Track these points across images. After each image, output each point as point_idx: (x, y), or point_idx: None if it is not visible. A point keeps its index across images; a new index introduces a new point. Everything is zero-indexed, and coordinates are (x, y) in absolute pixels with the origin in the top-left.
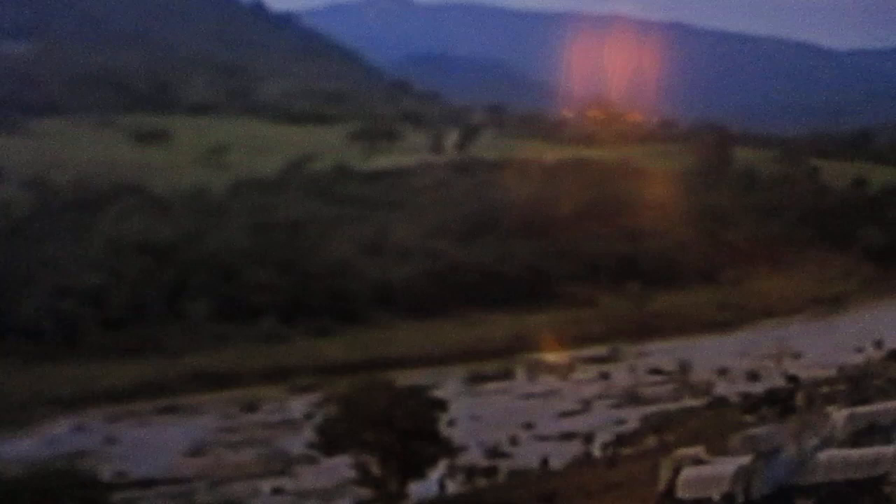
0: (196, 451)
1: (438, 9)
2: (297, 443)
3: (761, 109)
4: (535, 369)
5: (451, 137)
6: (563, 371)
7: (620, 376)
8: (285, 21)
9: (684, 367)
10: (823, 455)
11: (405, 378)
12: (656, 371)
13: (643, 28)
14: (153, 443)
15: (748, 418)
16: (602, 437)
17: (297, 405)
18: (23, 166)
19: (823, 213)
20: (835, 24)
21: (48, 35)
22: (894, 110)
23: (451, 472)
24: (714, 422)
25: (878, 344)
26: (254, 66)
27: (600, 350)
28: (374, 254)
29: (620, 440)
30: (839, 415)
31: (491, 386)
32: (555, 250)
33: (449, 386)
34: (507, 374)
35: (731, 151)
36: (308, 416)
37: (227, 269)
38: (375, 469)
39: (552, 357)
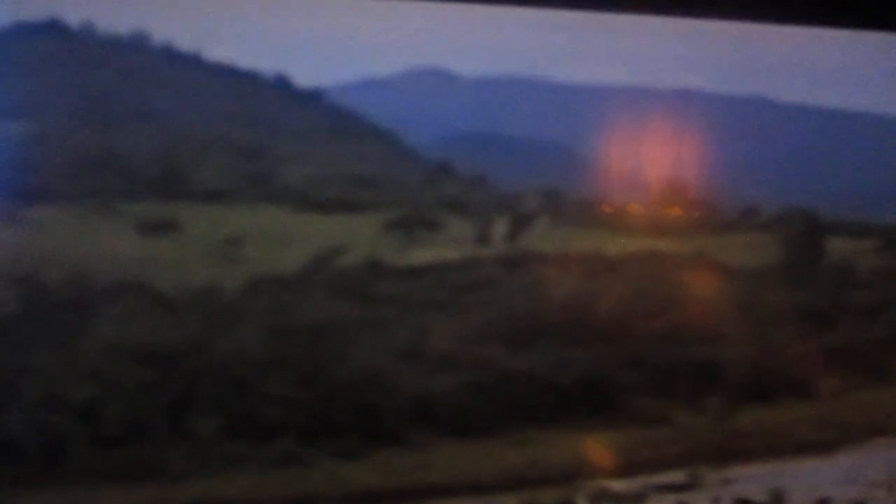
0: None
1: (485, 83)
2: None
3: (857, 194)
4: (600, 499)
5: (500, 227)
6: (634, 501)
7: None
8: (313, 98)
9: (778, 497)
10: None
11: None
12: (744, 501)
13: (717, 103)
14: None
15: None
16: None
17: None
18: (12, 261)
19: None
20: None
21: (46, 114)
22: None
23: None
24: None
25: None
26: (276, 148)
27: (677, 476)
28: (410, 362)
29: None
30: None
31: None
32: (620, 358)
33: None
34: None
35: (822, 241)
36: None
37: (240, 380)
38: None
39: (620, 485)
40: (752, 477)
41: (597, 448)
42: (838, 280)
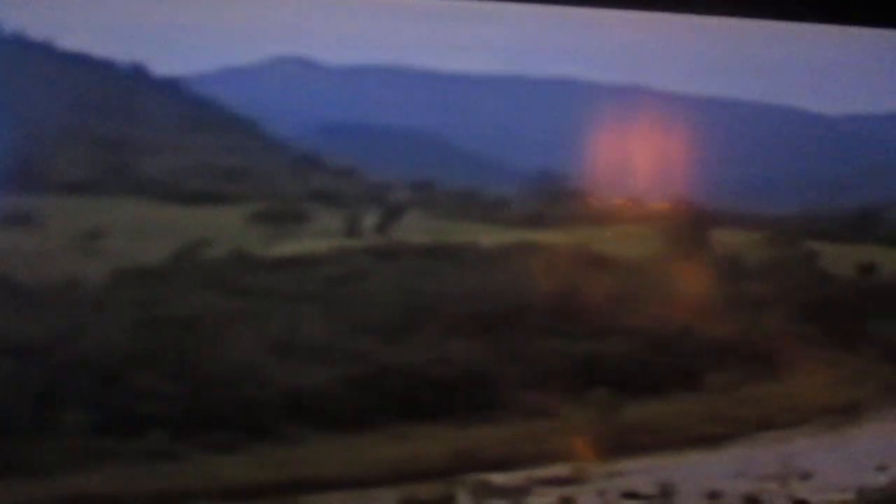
0: None
1: (352, 72)
2: None
3: (742, 184)
4: (482, 493)
5: (370, 219)
6: (516, 495)
7: (587, 501)
8: (172, 87)
9: (667, 491)
10: None
11: None
12: (631, 495)
13: (596, 92)
14: None
15: None
16: None
17: None
18: None
19: (826, 305)
20: (825, 87)
21: None
22: (894, 184)
23: None
24: None
25: None
26: (136, 138)
27: (561, 470)
28: (282, 355)
29: None
30: None
31: None
32: (501, 352)
33: None
34: (447, 499)
35: (709, 233)
36: None
37: (107, 373)
38: None
39: (501, 478)
40: (640, 470)
41: (478, 442)
42: (726, 272)
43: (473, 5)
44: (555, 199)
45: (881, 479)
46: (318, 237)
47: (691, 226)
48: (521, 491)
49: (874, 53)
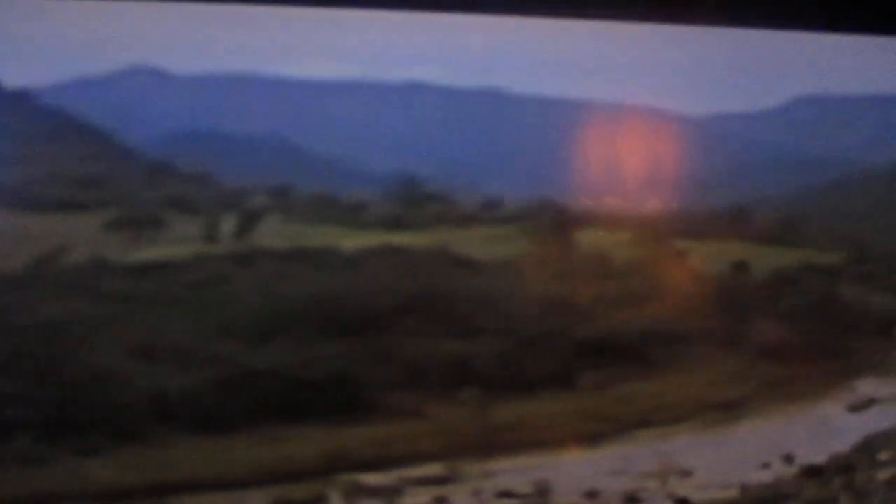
0: None
1: (202, 81)
2: None
3: (608, 185)
4: (354, 493)
5: (228, 224)
6: (389, 495)
7: (462, 501)
8: (25, 98)
9: (543, 489)
10: None
11: None
12: (507, 494)
13: (449, 95)
14: None
15: None
16: None
17: None
18: None
19: (701, 303)
20: (688, 88)
21: None
22: (770, 182)
23: None
24: None
25: (789, 458)
26: None
27: (435, 469)
28: (147, 359)
29: None
30: None
31: None
32: (368, 353)
33: None
34: (319, 500)
35: (574, 233)
36: None
37: None
38: None
39: (374, 479)
40: (516, 470)
41: (349, 443)
42: (594, 272)
43: (322, 12)
44: (413, 201)
45: (765, 476)
46: (177, 243)
47: (555, 226)
48: (395, 491)
49: (740, 53)
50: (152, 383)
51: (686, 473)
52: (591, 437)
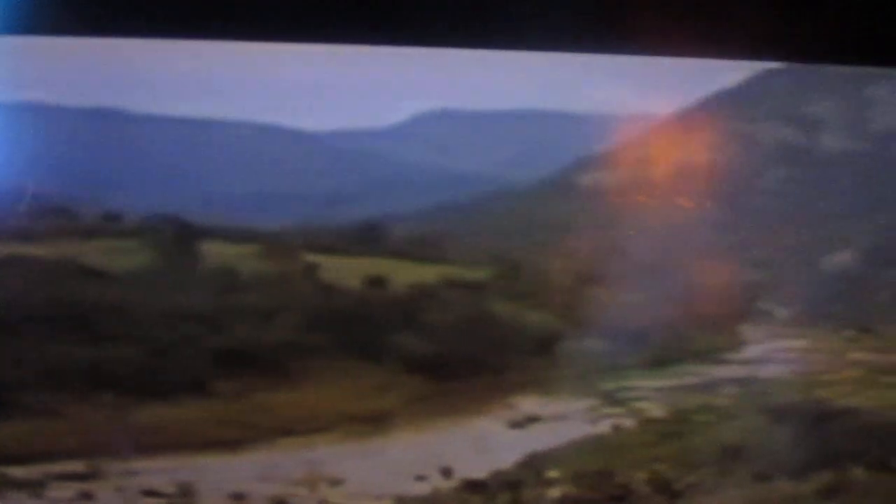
0: None
1: None
2: None
3: (230, 200)
4: (1, 486)
5: None
6: (34, 487)
7: (107, 496)
8: None
9: (187, 490)
10: None
11: None
12: (151, 493)
13: (58, 115)
14: None
15: None
16: None
17: None
18: None
19: (336, 316)
20: (309, 105)
21: None
22: (402, 198)
23: None
24: None
25: (447, 472)
26: None
27: (76, 466)
28: None
29: None
30: None
31: None
32: (5, 356)
33: None
34: None
35: (197, 246)
36: None
37: None
38: None
39: (19, 472)
40: (158, 470)
41: None
42: (220, 284)
43: None
44: (37, 214)
45: (422, 488)
46: None
47: (176, 239)
48: (39, 483)
49: (357, 69)
50: None
51: (336, 482)
52: (231, 443)
